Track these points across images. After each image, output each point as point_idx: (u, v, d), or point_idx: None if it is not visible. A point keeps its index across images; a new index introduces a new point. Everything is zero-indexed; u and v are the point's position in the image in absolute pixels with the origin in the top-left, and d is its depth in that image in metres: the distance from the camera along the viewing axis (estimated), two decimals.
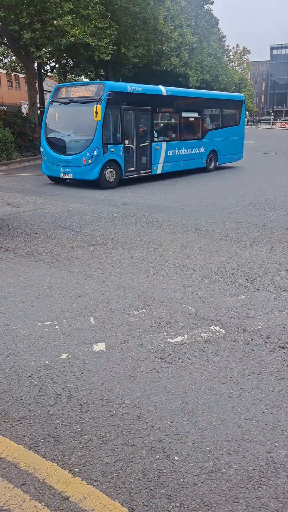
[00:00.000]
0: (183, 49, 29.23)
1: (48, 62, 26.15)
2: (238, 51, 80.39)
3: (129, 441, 2.57)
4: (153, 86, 15.32)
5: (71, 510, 2.12)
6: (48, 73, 28.08)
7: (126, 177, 13.74)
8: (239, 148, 19.45)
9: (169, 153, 15.32)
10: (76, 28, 17.29)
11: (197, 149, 16.79)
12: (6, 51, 25.01)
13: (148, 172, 14.66)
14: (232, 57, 75.12)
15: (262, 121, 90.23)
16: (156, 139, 14.85)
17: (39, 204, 10.72)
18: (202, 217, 9.02)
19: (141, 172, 14.40)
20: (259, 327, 4.03)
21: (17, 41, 19.34)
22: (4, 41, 21.96)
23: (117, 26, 19.79)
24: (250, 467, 2.37)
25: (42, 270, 5.67)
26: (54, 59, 25.35)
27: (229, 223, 8.43)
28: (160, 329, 3.98)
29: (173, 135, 15.97)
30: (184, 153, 16.13)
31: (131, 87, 13.68)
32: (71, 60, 26.30)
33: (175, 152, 15.66)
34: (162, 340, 3.79)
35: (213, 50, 43.09)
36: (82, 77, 27.15)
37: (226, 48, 56.87)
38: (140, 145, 14.20)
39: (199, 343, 3.74)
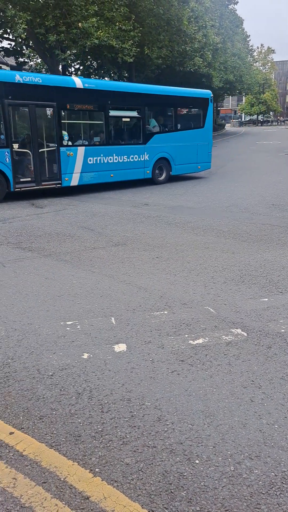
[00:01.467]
0: (207, 49, 29.10)
1: (73, 64, 26.47)
2: (263, 51, 79.50)
3: (150, 442, 2.57)
4: (61, 77, 12.77)
5: (91, 510, 2.13)
6: (73, 75, 28.39)
7: (17, 189, 11.15)
8: (205, 155, 16.12)
9: (90, 160, 12.40)
10: (100, 30, 17.43)
11: (136, 156, 13.70)
12: (32, 54, 25.44)
13: (56, 184, 11.88)
14: (257, 57, 74.41)
15: (286, 121, 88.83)
16: (68, 143, 12.01)
17: (62, 205, 10.84)
18: (224, 218, 8.94)
19: (44, 183, 11.62)
20: (282, 330, 3.97)
21: (43, 44, 19.62)
22: (30, 44, 22.32)
23: (141, 28, 19.86)
24: (272, 473, 2.33)
25: (64, 270, 5.73)
26: (79, 61, 25.65)
27: (251, 225, 8.34)
28: (181, 331, 3.97)
29: (97, 139, 13.13)
30: (116, 161, 13.13)
31: (22, 76, 10.81)
32: (95, 62, 26.55)
33: (100, 159, 12.69)
34: (183, 342, 3.77)
35: (237, 50, 42.81)
36: (106, 78, 27.35)
37: (250, 48, 56.43)
38: (41, 150, 11.54)
39: (221, 345, 3.71)
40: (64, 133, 11.97)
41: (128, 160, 13.49)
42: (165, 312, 4.38)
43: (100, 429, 2.69)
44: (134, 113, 13.85)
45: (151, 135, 14.28)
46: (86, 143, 12.75)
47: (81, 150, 12.24)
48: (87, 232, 7.89)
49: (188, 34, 24.31)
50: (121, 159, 13.28)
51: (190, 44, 25.46)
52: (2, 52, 23.73)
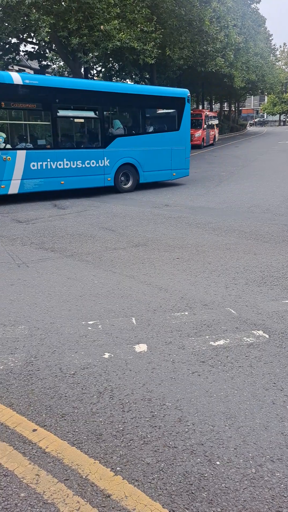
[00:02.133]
0: (229, 49, 28.91)
1: (95, 66, 26.69)
2: (285, 50, 78.39)
3: (170, 443, 2.57)
4: None
5: (112, 508, 2.15)
6: (95, 78, 28.63)
7: None
8: (181, 161, 14.42)
9: (33, 166, 11.05)
10: (122, 33, 17.52)
11: (93, 161, 12.16)
12: (55, 57, 25.77)
13: None
14: (279, 56, 73.46)
15: None
16: (6, 146, 10.79)
17: (84, 206, 10.94)
18: (246, 219, 8.87)
19: None
20: None
21: (65, 47, 19.85)
22: (53, 47, 22.60)
23: (162, 29, 19.86)
24: None
25: (86, 270, 5.79)
26: (100, 64, 25.83)
27: (274, 225, 8.24)
28: (202, 332, 3.96)
29: (43, 142, 11.83)
30: (67, 167, 11.66)
31: None
32: (116, 64, 26.70)
33: (46, 165, 11.28)
34: (204, 343, 3.76)
35: (260, 49, 42.37)
36: (128, 80, 27.50)
37: (273, 47, 55.76)
38: None
39: (242, 347, 3.68)
40: (0, 134, 10.75)
41: (83, 165, 11.97)
42: (186, 313, 4.38)
43: (121, 428, 2.71)
44: (90, 114, 12.39)
45: (113, 138, 12.71)
46: (30, 146, 11.32)
47: (21, 154, 10.88)
48: (108, 233, 7.94)
49: (210, 35, 24.16)
50: (73, 165, 11.79)
51: (212, 45, 25.31)
52: (26, 56, 24.13)
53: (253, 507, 2.13)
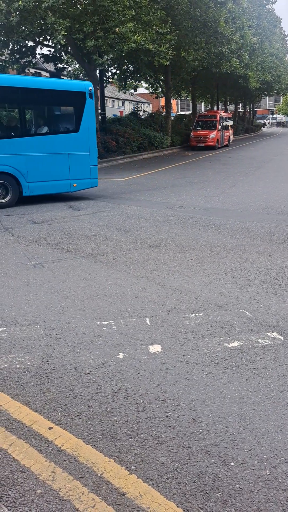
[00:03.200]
0: (244, 50, 28.75)
1: (110, 68, 26.81)
2: None
3: (185, 443, 2.59)
4: None
5: (127, 506, 2.17)
6: (110, 80, 28.76)
7: None
8: (84, 169, 11.71)
9: None
10: (137, 34, 17.57)
11: None
12: (70, 59, 25.96)
13: None
14: None
15: None
16: None
17: (99, 207, 11.01)
18: (261, 221, 8.82)
19: None
20: None
21: (81, 49, 19.99)
22: (69, 50, 22.79)
23: (177, 31, 19.87)
24: None
25: (100, 271, 5.83)
26: (115, 66, 25.94)
27: None
28: (216, 333, 3.96)
29: None
30: None
31: None
32: (131, 66, 26.79)
33: None
34: (218, 344, 3.76)
35: (275, 50, 42.07)
36: (142, 82, 27.59)
37: None
38: None
39: (257, 349, 3.67)
40: None
41: None
42: (200, 314, 4.38)
43: (135, 427, 2.73)
44: None
45: None
46: None
47: None
48: (122, 234, 7.98)
49: (225, 36, 24.07)
50: None
51: (227, 46, 25.20)
52: (42, 59, 24.38)
53: (267, 508, 2.13)
